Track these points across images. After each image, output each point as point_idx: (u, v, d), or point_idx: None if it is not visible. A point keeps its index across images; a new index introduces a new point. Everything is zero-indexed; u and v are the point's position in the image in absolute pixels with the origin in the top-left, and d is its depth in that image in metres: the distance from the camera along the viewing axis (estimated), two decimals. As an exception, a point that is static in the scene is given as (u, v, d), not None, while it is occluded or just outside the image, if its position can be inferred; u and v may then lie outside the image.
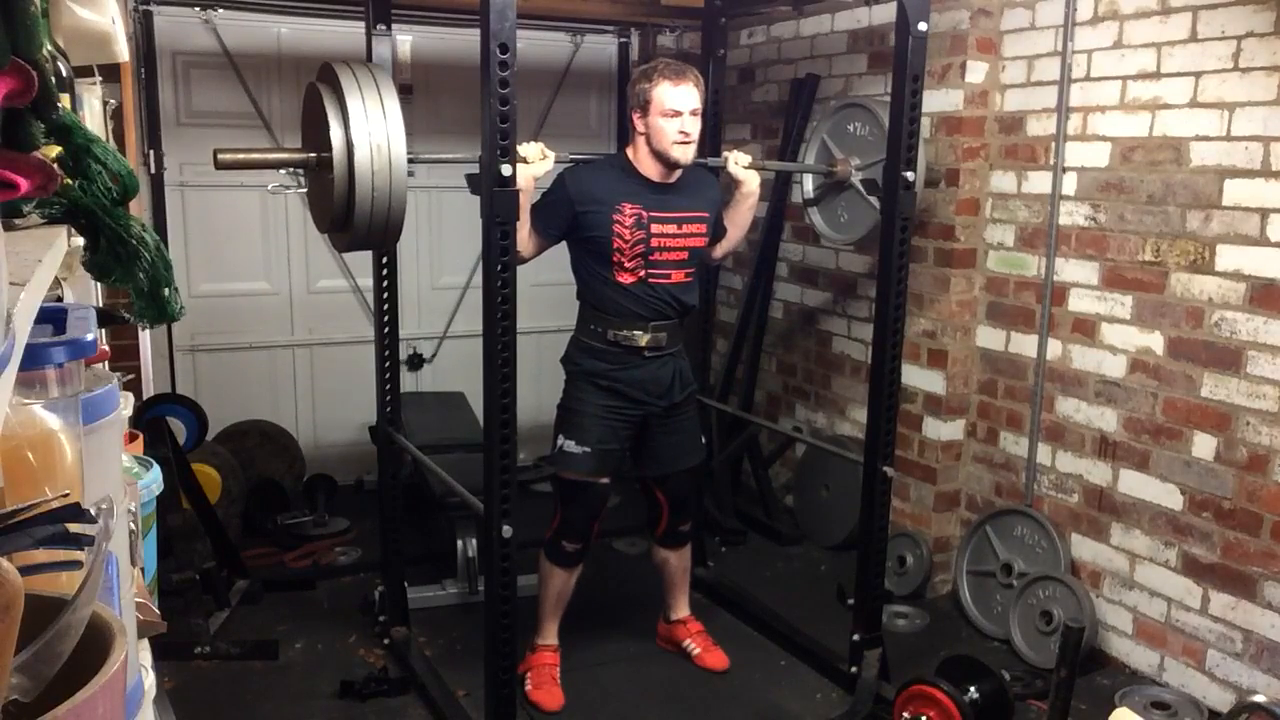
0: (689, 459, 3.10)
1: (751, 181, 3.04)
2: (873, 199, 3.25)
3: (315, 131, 2.46)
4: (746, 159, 3.04)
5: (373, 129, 2.34)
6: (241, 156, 2.48)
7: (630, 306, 2.87)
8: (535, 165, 2.70)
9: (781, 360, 4.54)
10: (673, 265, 2.89)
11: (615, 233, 2.81)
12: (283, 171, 2.80)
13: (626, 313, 2.88)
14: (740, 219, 3.11)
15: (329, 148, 2.35)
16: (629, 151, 2.90)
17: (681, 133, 2.77)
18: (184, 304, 1.35)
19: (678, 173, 2.89)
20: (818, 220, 3.62)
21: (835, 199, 3.53)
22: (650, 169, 2.86)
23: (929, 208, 3.57)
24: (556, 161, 2.78)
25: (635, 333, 2.88)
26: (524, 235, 2.69)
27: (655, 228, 2.83)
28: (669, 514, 3.13)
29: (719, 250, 3.16)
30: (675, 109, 2.75)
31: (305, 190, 2.73)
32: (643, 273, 2.85)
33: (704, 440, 3.25)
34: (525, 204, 2.64)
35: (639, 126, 2.83)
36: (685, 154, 2.80)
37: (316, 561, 3.94)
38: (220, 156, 2.40)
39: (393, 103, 2.39)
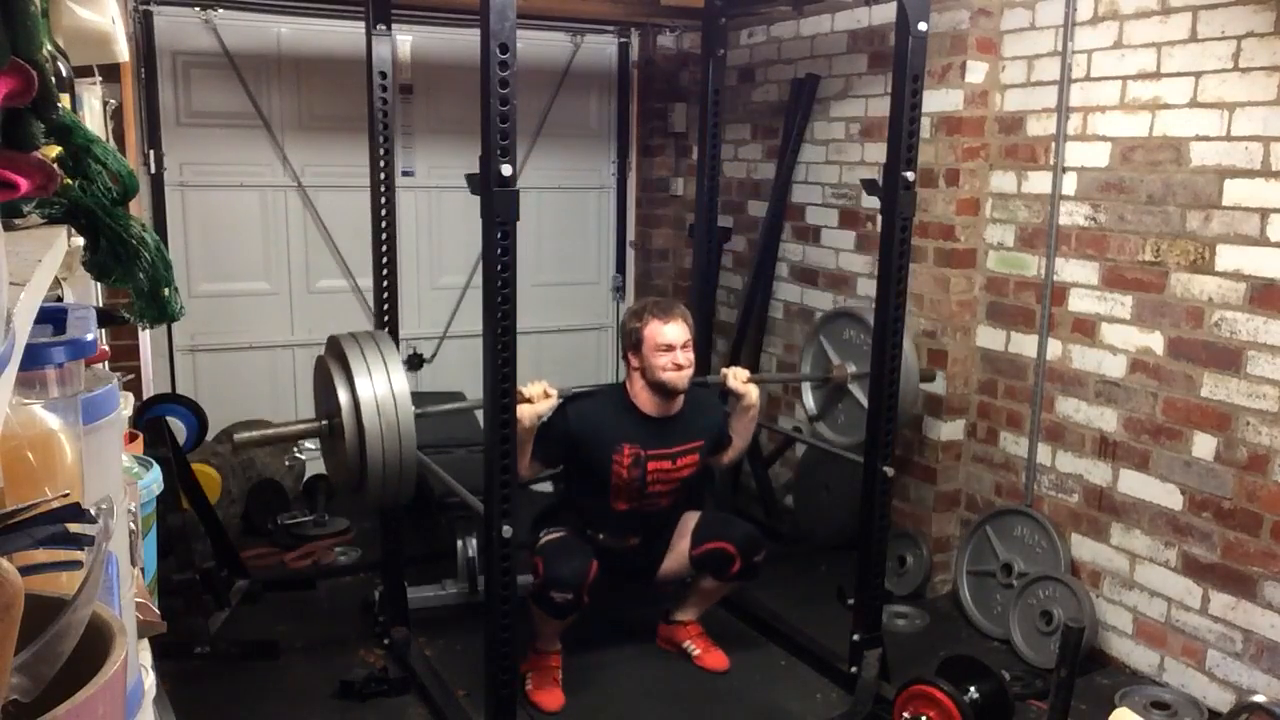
0: (676, 522, 3.13)
1: (751, 394, 3.10)
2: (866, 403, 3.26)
3: (325, 401, 2.67)
4: (745, 374, 3.11)
5: (379, 395, 2.54)
6: (258, 435, 2.68)
7: (618, 525, 3.02)
8: (539, 405, 2.78)
9: (781, 360, 4.54)
10: (663, 495, 3.02)
11: (614, 472, 2.92)
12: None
13: (613, 528, 3.03)
14: (744, 429, 3.18)
15: (339, 414, 2.54)
16: (628, 386, 2.97)
17: (675, 364, 2.86)
18: (184, 304, 1.35)
19: (679, 404, 2.96)
20: (824, 430, 3.64)
21: (835, 406, 3.57)
22: (648, 404, 2.94)
23: (926, 208, 3.57)
24: (560, 396, 2.85)
25: (619, 540, 3.04)
26: (524, 463, 2.80)
27: (651, 465, 2.94)
28: (740, 552, 3.02)
29: (725, 458, 3.25)
30: (668, 343, 2.85)
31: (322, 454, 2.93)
32: (635, 503, 2.98)
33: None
34: (527, 440, 2.77)
35: (634, 363, 2.93)
36: (682, 379, 2.89)
37: (316, 561, 3.94)
38: (239, 439, 2.59)
39: (397, 368, 2.59)
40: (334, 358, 2.63)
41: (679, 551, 3.10)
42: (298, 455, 2.96)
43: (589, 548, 2.94)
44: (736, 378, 3.08)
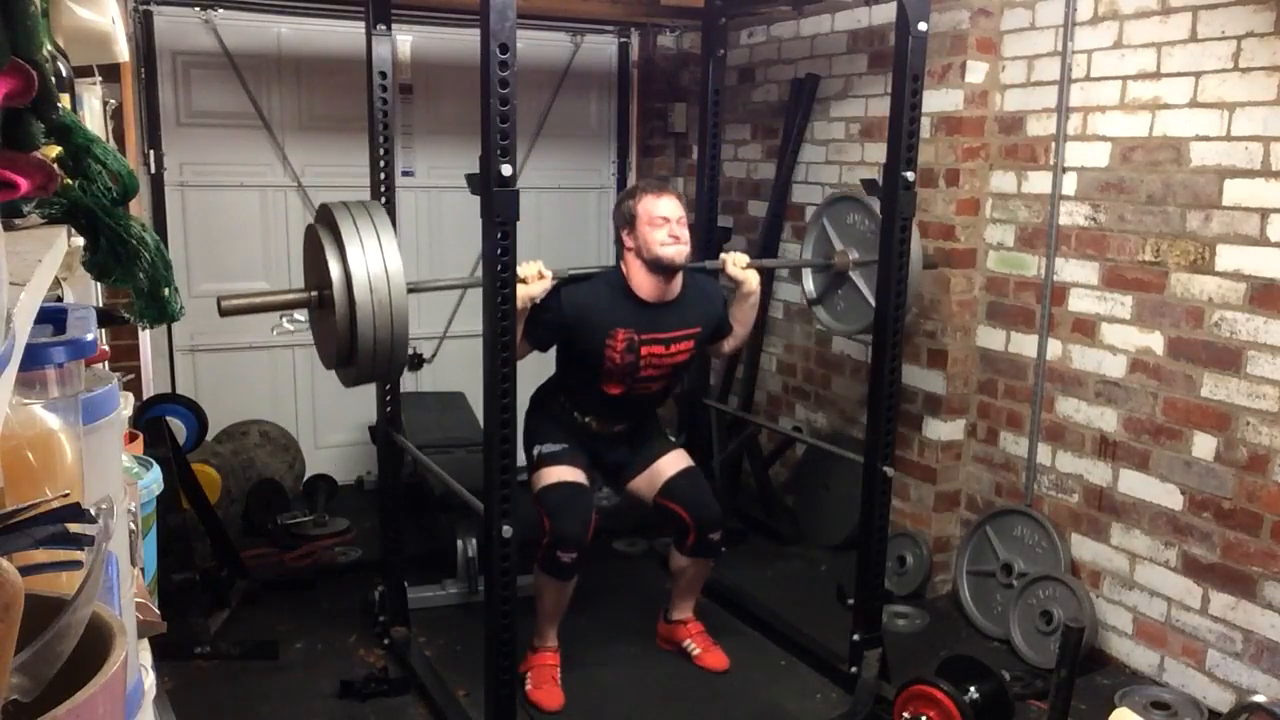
0: (661, 448, 3.13)
1: (751, 281, 3.08)
2: (869, 294, 3.24)
3: (315, 271, 2.54)
4: (744, 259, 3.08)
5: (370, 264, 2.42)
6: (244, 302, 2.53)
7: (607, 409, 3.02)
8: (533, 286, 2.74)
9: (781, 360, 4.54)
10: (655, 379, 3.00)
11: (607, 356, 2.89)
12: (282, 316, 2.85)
13: (602, 412, 3.03)
14: (744, 317, 3.16)
15: (329, 285, 2.41)
16: (623, 269, 2.93)
17: (670, 235, 2.83)
18: (184, 304, 1.35)
19: (675, 289, 2.93)
20: (822, 315, 3.59)
21: (835, 292, 3.51)
22: (645, 287, 2.89)
23: (926, 208, 3.57)
24: (555, 278, 2.81)
25: (606, 424, 3.05)
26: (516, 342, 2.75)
27: (645, 349, 2.91)
28: (695, 524, 3.03)
29: (726, 346, 3.23)
30: (663, 216, 2.83)
31: (310, 328, 2.78)
32: (627, 387, 2.97)
33: (689, 434, 3.27)
34: (520, 320, 2.71)
35: (628, 243, 2.90)
36: (678, 253, 2.85)
37: (316, 561, 3.94)
38: (225, 305, 2.46)
39: (389, 238, 2.46)
40: (325, 226, 2.50)
41: (650, 481, 3.08)
42: (286, 326, 2.81)
43: (588, 490, 2.97)
44: (736, 263, 3.05)
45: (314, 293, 2.53)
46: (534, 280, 2.74)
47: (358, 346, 2.43)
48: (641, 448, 3.13)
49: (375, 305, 2.40)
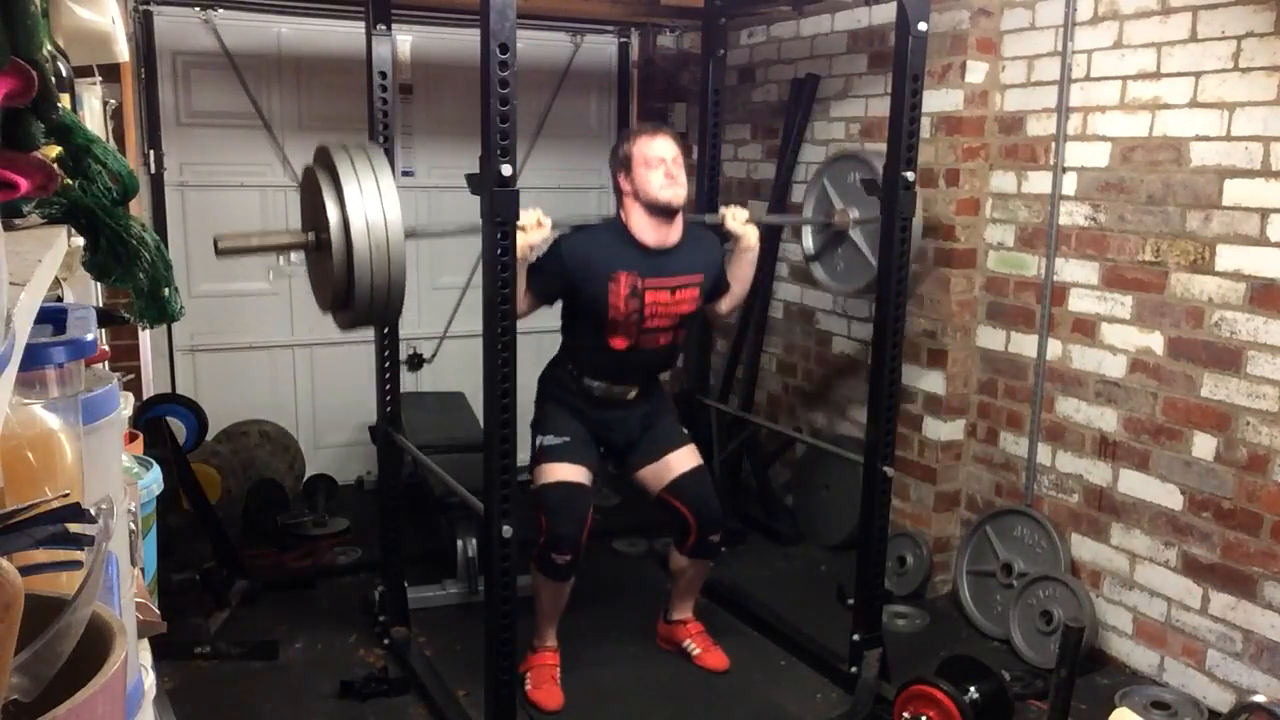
0: (674, 441, 3.09)
1: (750, 236, 3.06)
2: (869, 253, 3.23)
3: (313, 213, 2.51)
4: (744, 214, 3.06)
5: (368, 207, 2.39)
6: (241, 243, 2.51)
7: (615, 368, 2.97)
8: (532, 234, 2.72)
9: (781, 360, 4.54)
10: (662, 330, 2.95)
11: (610, 303, 2.85)
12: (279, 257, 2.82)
13: (610, 373, 2.98)
14: (742, 273, 3.14)
15: (327, 228, 2.39)
16: (623, 217, 2.92)
17: (667, 175, 2.81)
18: (184, 304, 1.35)
19: (676, 235, 2.90)
20: (820, 273, 3.58)
21: (834, 251, 3.51)
22: (646, 231, 2.87)
23: (927, 208, 3.57)
24: (554, 227, 2.80)
25: (614, 388, 3.00)
26: (519, 297, 2.71)
27: (649, 295, 2.87)
28: (697, 525, 3.02)
29: (724, 305, 3.19)
30: (659, 156, 2.81)
31: (307, 270, 2.75)
32: (634, 339, 2.92)
33: (690, 433, 3.25)
34: (521, 271, 2.69)
35: (625, 187, 2.88)
36: (676, 195, 2.82)
37: (316, 561, 3.94)
38: (221, 245, 2.43)
39: (388, 181, 2.43)
40: (323, 169, 2.47)
41: (658, 474, 3.05)
42: (284, 269, 2.79)
43: (587, 491, 2.93)
44: (735, 218, 3.04)
45: (311, 234, 2.51)
46: (533, 229, 2.72)
47: (355, 289, 2.41)
48: (651, 430, 3.08)
49: (373, 248, 2.37)
